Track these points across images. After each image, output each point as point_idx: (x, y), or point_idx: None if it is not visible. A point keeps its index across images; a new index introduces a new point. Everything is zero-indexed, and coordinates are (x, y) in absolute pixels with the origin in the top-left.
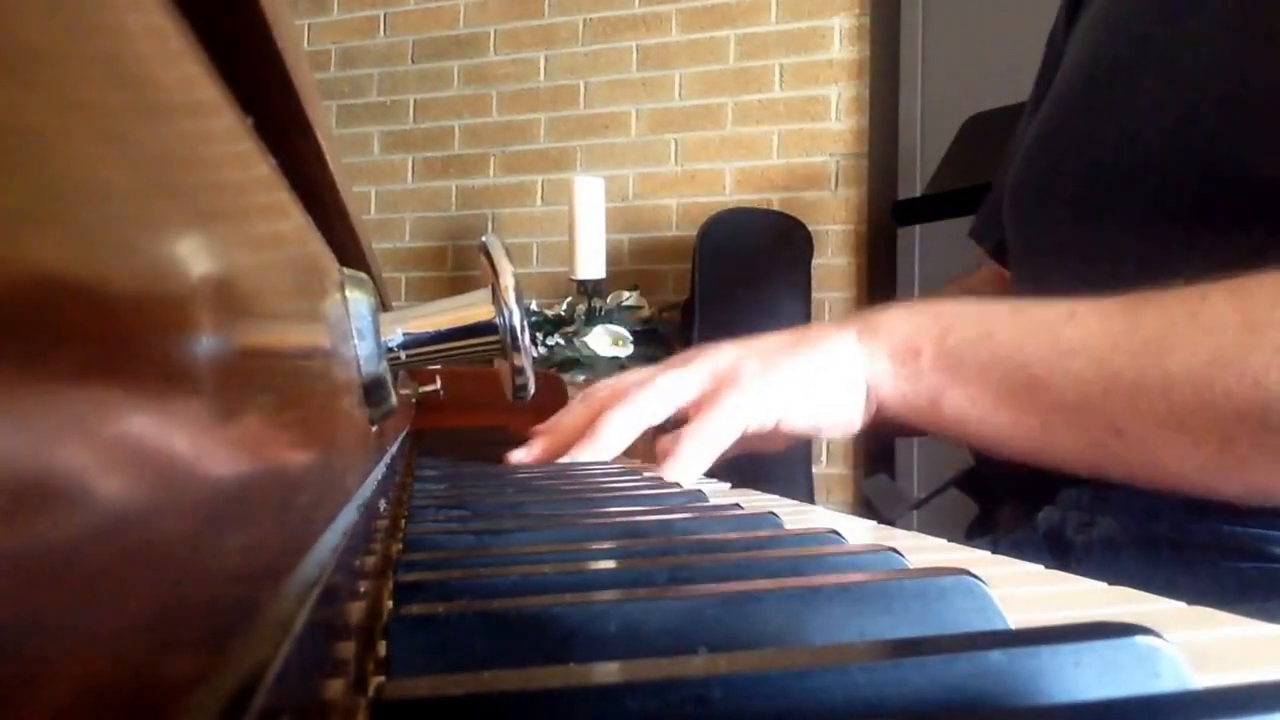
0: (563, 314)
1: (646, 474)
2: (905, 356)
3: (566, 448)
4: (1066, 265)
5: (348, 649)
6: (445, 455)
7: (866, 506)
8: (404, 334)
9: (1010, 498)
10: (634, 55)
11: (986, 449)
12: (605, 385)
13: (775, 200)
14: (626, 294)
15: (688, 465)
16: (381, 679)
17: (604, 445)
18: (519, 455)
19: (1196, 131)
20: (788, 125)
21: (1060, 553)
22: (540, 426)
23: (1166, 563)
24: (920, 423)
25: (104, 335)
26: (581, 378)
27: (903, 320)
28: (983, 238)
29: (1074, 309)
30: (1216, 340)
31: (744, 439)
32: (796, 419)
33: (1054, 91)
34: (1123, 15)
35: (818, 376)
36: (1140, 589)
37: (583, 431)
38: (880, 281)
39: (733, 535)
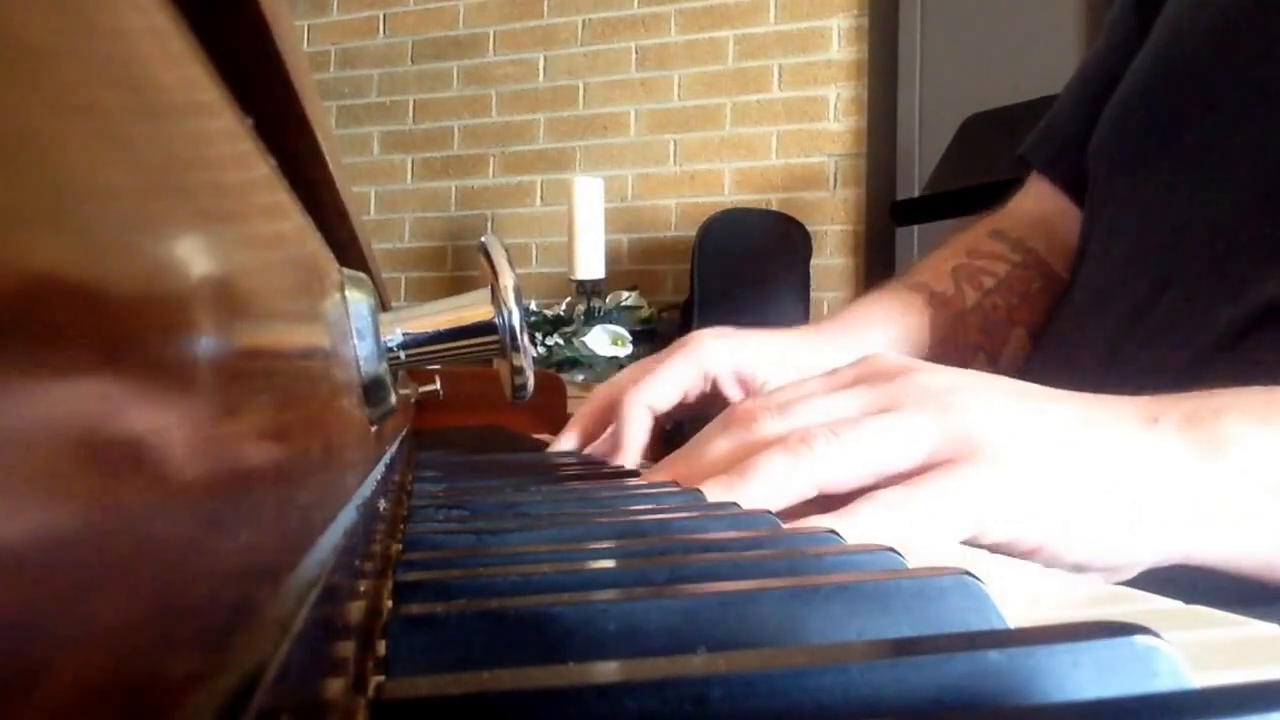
0: (562, 314)
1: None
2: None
3: (701, 479)
4: (1158, 230)
5: (347, 648)
6: (444, 455)
7: None
8: (403, 334)
9: None
10: (633, 56)
11: None
12: (766, 408)
13: (774, 201)
14: (626, 294)
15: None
16: (381, 678)
17: (767, 496)
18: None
19: None
20: (786, 126)
21: None
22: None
23: (1169, 565)
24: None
25: (103, 335)
26: (581, 377)
27: (1258, 437)
28: (1052, 165)
29: None
30: None
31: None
32: (1064, 554)
33: (1162, 41)
34: None
35: (1105, 496)
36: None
37: (727, 468)
38: (878, 282)
39: (731, 534)
